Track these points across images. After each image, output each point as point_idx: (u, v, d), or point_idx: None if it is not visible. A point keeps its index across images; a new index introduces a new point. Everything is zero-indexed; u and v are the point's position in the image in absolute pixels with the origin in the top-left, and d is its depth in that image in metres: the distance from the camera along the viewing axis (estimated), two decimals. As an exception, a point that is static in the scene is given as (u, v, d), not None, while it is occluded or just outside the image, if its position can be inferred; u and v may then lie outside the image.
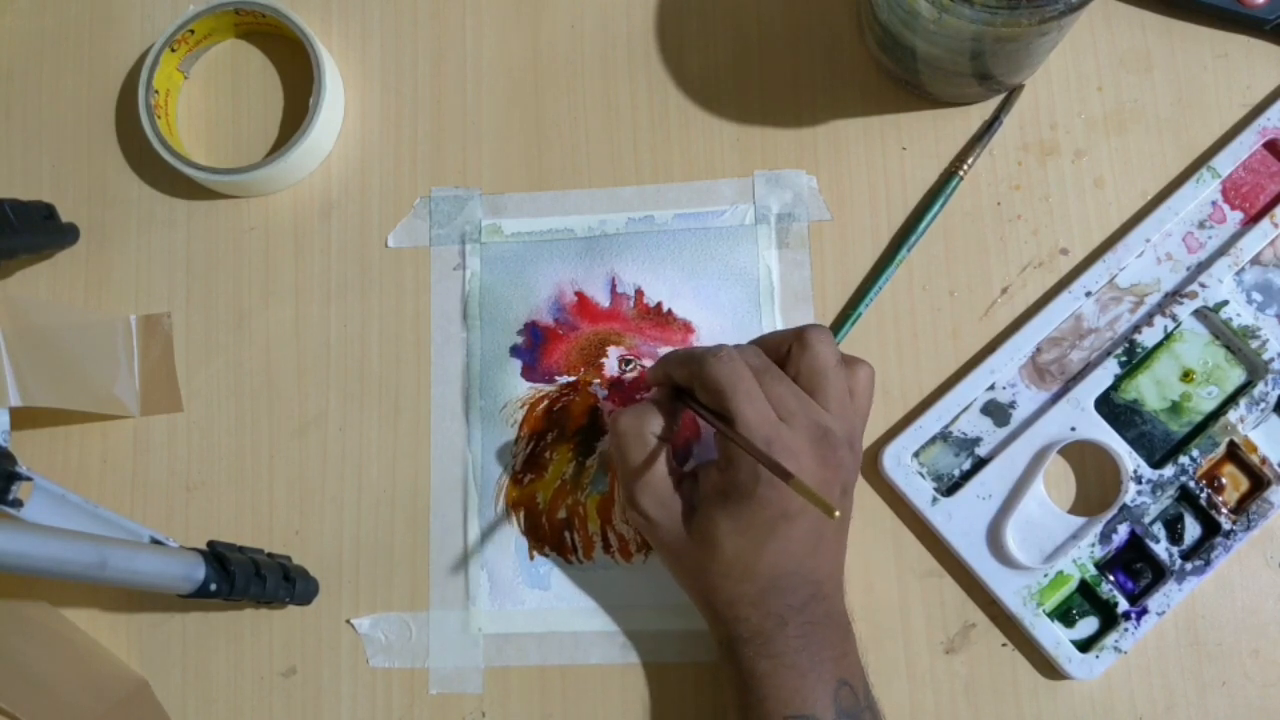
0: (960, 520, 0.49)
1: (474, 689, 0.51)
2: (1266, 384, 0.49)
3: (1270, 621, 0.48)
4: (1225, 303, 0.49)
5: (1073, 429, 0.49)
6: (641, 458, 0.45)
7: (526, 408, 0.53)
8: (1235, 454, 0.49)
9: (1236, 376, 0.50)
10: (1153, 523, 0.49)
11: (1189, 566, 0.48)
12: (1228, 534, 0.48)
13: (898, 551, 0.50)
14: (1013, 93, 0.53)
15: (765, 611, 0.43)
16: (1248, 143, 0.50)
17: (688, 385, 0.45)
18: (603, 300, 0.53)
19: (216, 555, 0.47)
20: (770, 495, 0.41)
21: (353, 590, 0.52)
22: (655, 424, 0.45)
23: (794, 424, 0.42)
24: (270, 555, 0.51)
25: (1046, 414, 0.49)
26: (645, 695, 0.50)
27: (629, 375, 0.52)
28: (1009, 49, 0.46)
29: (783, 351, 0.45)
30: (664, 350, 0.52)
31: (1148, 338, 0.49)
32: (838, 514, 0.36)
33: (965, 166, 0.52)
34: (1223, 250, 0.50)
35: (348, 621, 0.52)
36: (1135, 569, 0.49)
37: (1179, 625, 0.49)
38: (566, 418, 0.52)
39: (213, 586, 0.46)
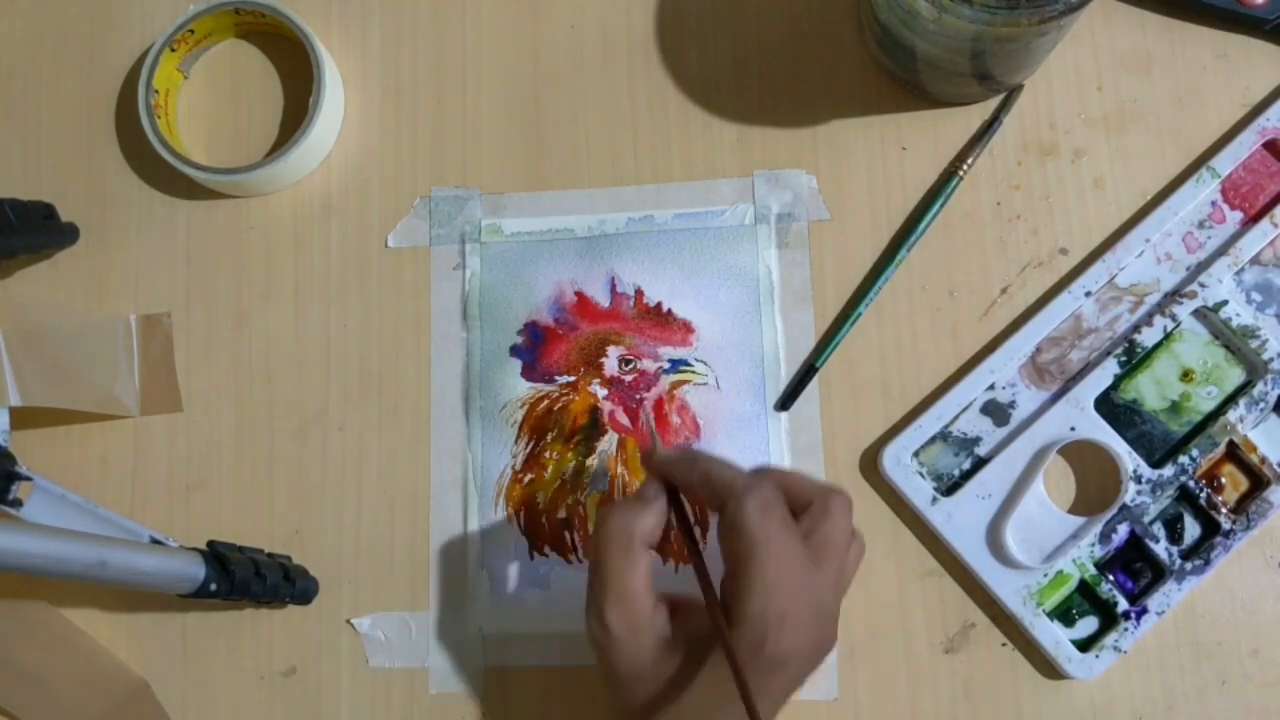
0: (960, 520, 0.49)
1: (474, 689, 0.51)
2: (1266, 384, 0.49)
3: (1270, 621, 0.48)
4: (1225, 303, 0.49)
5: (1072, 429, 0.49)
6: (622, 566, 0.40)
7: (526, 408, 0.53)
8: (1235, 454, 0.49)
9: (1236, 376, 0.50)
10: (1152, 522, 0.49)
11: (1189, 566, 0.48)
12: (1227, 534, 0.48)
13: (898, 551, 0.50)
14: (1013, 93, 0.53)
15: None
16: (1247, 143, 0.51)
17: (705, 504, 0.41)
18: (603, 300, 0.53)
19: (216, 555, 0.47)
20: (764, 667, 0.38)
21: (353, 590, 0.52)
22: (646, 528, 0.41)
23: (801, 598, 0.39)
24: (270, 555, 0.51)
25: (1046, 414, 0.49)
26: (645, 695, 0.50)
27: (628, 375, 0.52)
28: (1009, 49, 0.46)
29: (801, 503, 0.41)
30: (664, 350, 0.52)
31: (1147, 338, 0.49)
32: None
33: (965, 166, 0.52)
34: (1222, 250, 0.50)
35: (348, 621, 0.52)
36: (1135, 569, 0.49)
37: (1179, 625, 0.49)
38: (566, 417, 0.52)
39: (213, 586, 0.46)
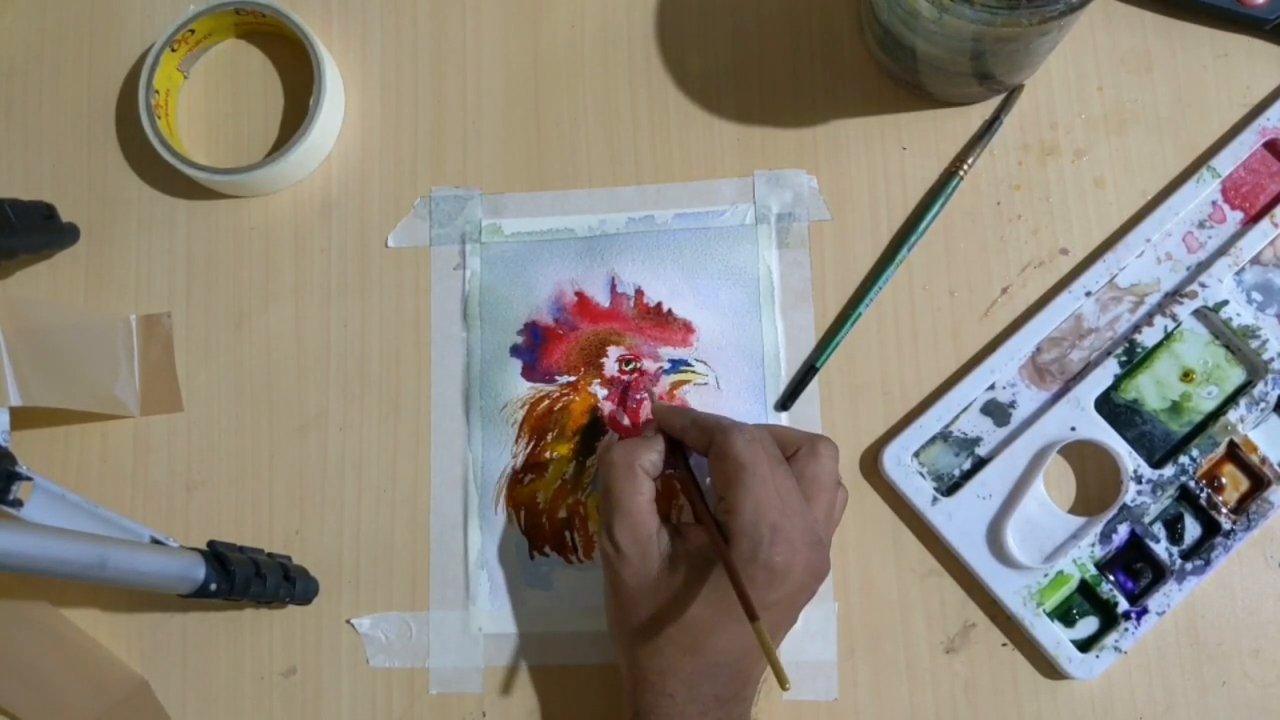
0: (960, 520, 0.49)
1: (474, 689, 0.51)
2: (1266, 384, 0.49)
3: (1270, 621, 0.48)
4: (1225, 302, 0.49)
5: (1073, 429, 0.49)
6: (627, 489, 0.44)
7: (527, 408, 0.53)
8: (1235, 454, 0.49)
9: (1236, 376, 0.50)
10: (1153, 523, 0.49)
11: (1189, 566, 0.48)
12: (1228, 534, 0.48)
13: (898, 551, 0.50)
14: (1013, 93, 0.53)
15: (693, 695, 0.43)
16: (1248, 143, 0.50)
17: (698, 450, 0.45)
18: (603, 300, 0.53)
19: (216, 555, 0.47)
20: (760, 579, 0.41)
21: (353, 590, 0.52)
22: (648, 460, 0.45)
23: (792, 519, 0.42)
24: (270, 555, 0.51)
25: (1046, 414, 0.49)
26: (645, 695, 0.50)
27: (629, 375, 0.52)
28: (1009, 49, 0.46)
29: (790, 450, 0.45)
30: (664, 350, 0.52)
31: (1148, 338, 0.49)
32: (790, 686, 0.37)
33: (965, 166, 0.52)
34: (1223, 250, 0.50)
35: (348, 621, 0.52)
36: (1135, 569, 0.49)
37: (1179, 625, 0.49)
38: (567, 418, 0.52)
39: (213, 586, 0.46)
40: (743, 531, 0.41)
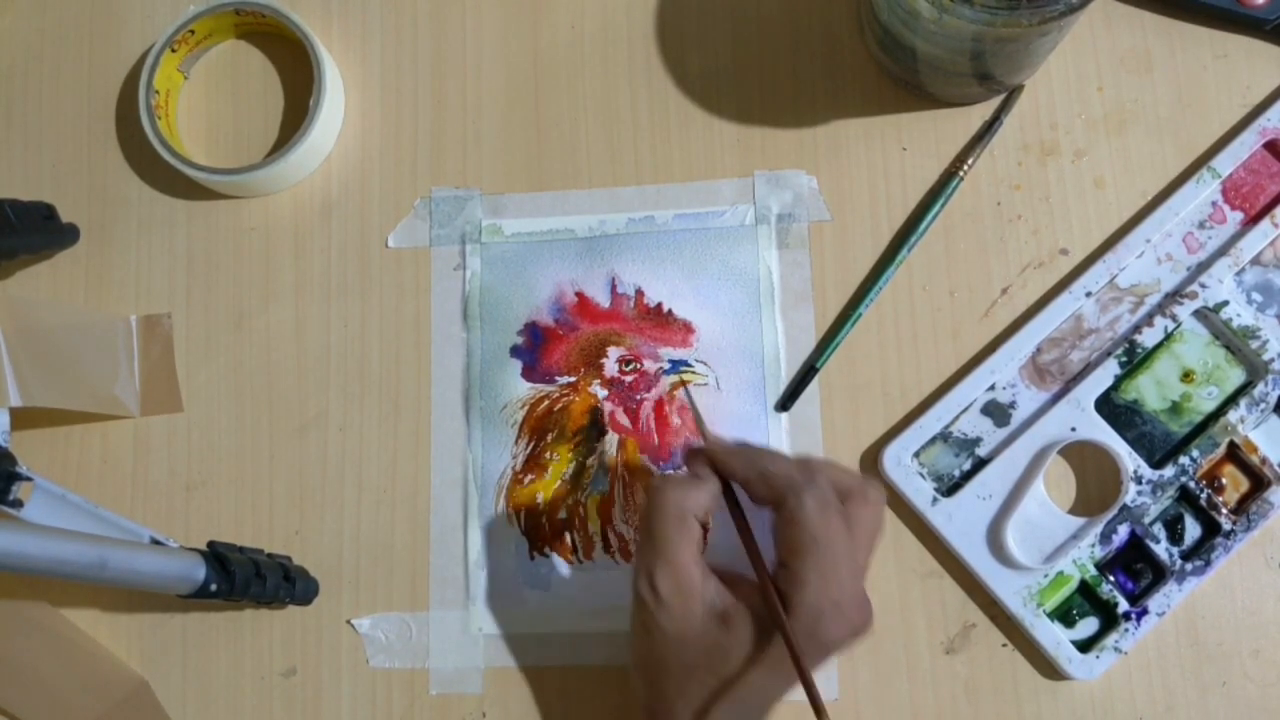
0: (960, 520, 0.49)
1: (474, 689, 0.51)
2: (1266, 384, 0.49)
3: (1270, 621, 0.48)
4: (1225, 303, 0.49)
5: (1073, 429, 0.49)
6: (675, 537, 0.42)
7: (527, 408, 0.53)
8: (1235, 454, 0.49)
9: (1236, 377, 0.50)
10: (1153, 523, 0.49)
11: (1189, 567, 0.48)
12: (1228, 534, 0.48)
13: (898, 551, 0.50)
14: (1013, 93, 0.53)
15: None
16: (1248, 143, 0.50)
17: (762, 504, 0.43)
18: (603, 300, 0.53)
19: (216, 555, 0.47)
20: (812, 652, 0.40)
21: (353, 590, 0.52)
22: (699, 505, 0.42)
23: (848, 587, 0.41)
24: (270, 555, 0.51)
25: (1047, 414, 0.49)
26: (645, 695, 0.50)
27: (629, 376, 0.52)
28: (1009, 49, 0.46)
29: (844, 494, 0.42)
30: (664, 351, 0.52)
31: (1148, 338, 0.49)
32: None
33: (965, 166, 0.52)
34: (1223, 250, 0.50)
35: (348, 621, 0.52)
36: (1135, 569, 0.49)
37: (1179, 625, 0.49)
38: (567, 418, 0.52)
39: (213, 587, 0.46)
40: (805, 605, 0.40)
